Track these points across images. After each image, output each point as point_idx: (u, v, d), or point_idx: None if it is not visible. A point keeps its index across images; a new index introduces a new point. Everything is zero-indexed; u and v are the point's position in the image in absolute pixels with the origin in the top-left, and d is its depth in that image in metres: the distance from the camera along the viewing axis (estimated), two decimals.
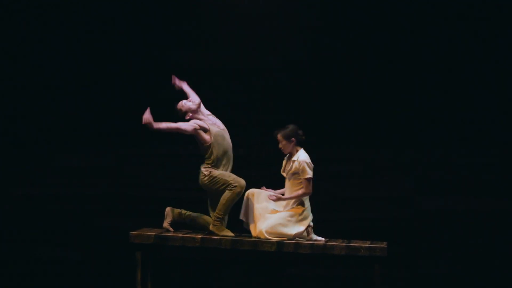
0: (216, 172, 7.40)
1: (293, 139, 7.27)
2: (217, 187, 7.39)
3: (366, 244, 7.17)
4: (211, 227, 7.38)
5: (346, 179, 8.99)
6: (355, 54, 8.98)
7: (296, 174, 7.25)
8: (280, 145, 7.31)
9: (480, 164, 8.86)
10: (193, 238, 7.25)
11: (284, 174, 7.37)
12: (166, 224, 7.54)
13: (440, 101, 8.92)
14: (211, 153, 7.42)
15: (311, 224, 7.27)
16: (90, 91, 9.19)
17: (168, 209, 7.57)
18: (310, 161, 7.27)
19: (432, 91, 8.92)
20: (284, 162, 7.39)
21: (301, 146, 7.35)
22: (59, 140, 9.20)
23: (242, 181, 7.34)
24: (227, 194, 7.32)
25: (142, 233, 7.36)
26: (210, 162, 7.44)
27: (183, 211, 7.56)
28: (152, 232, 7.38)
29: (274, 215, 7.25)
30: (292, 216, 7.22)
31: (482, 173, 8.85)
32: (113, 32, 9.17)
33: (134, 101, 9.04)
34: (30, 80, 9.22)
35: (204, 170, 7.45)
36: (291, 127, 7.30)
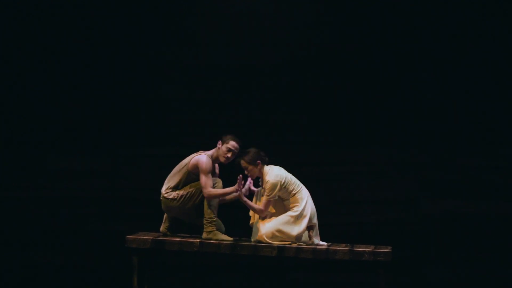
0: (183, 191, 7.29)
1: (258, 161, 7.22)
2: (192, 201, 7.26)
3: (370, 248, 7.10)
4: (204, 235, 7.24)
5: (349, 182, 8.94)
6: (358, 53, 8.95)
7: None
8: (246, 172, 7.27)
9: (487, 166, 8.83)
10: (191, 242, 7.16)
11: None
12: (163, 228, 7.43)
13: (445, 101, 8.89)
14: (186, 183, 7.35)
15: (314, 228, 7.12)
16: (84, 91, 9.15)
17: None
18: (280, 180, 7.16)
19: (437, 92, 8.89)
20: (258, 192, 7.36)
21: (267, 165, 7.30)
22: (53, 141, 9.15)
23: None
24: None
25: (139, 237, 7.28)
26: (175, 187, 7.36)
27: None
28: (149, 236, 7.30)
29: (273, 219, 7.19)
30: (289, 217, 7.15)
31: (489, 175, 8.82)
32: (108, 31, 9.14)
33: (130, 102, 9.06)
34: (23, 80, 9.19)
35: (169, 195, 7.29)
36: (252, 150, 7.25)
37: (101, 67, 9.11)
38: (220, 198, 7.25)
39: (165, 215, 7.44)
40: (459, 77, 8.85)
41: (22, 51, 9.16)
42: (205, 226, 7.22)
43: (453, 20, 8.83)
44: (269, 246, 7.04)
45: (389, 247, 7.15)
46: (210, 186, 7.14)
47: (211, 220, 7.20)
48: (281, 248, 7.03)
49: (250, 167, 7.22)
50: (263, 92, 9.02)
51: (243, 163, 7.23)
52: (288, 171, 7.30)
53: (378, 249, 7.07)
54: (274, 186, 7.11)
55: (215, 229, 7.21)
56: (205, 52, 9.07)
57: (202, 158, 7.23)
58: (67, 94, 9.14)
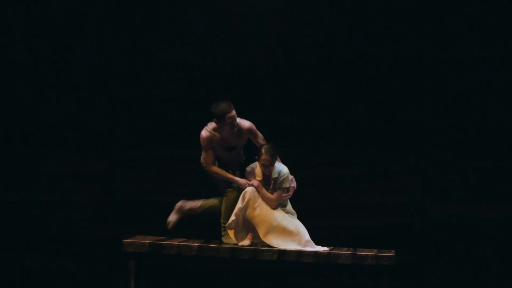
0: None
1: (277, 156, 7.18)
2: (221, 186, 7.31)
3: (373, 252, 7.06)
4: (223, 239, 7.27)
5: (352, 184, 8.89)
6: (362, 54, 8.91)
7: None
8: (267, 170, 7.09)
9: (493, 168, 8.78)
10: (190, 246, 7.13)
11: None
12: (173, 218, 7.32)
13: (451, 102, 8.85)
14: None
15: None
16: (81, 92, 9.13)
17: (179, 204, 7.36)
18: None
19: (443, 93, 8.85)
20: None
21: None
22: (48, 143, 9.13)
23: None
24: (224, 200, 7.26)
25: (136, 241, 7.25)
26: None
27: (194, 206, 7.36)
28: (146, 240, 7.27)
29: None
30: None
31: (495, 178, 8.77)
32: (105, 30, 9.11)
33: (127, 102, 9.05)
34: (17, 81, 9.16)
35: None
36: (271, 145, 7.11)
37: (98, 68, 9.07)
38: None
39: (176, 206, 7.32)
40: (468, 78, 8.81)
41: (17, 52, 9.13)
42: (222, 229, 7.29)
43: (455, 20, 8.80)
44: (269, 250, 6.98)
45: (393, 251, 7.11)
46: (210, 163, 7.11)
47: (223, 225, 7.26)
48: (281, 252, 6.98)
49: (273, 161, 7.05)
50: (264, 92, 9.00)
51: (269, 160, 7.01)
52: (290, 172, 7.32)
53: (381, 253, 7.03)
54: (288, 175, 7.10)
55: (227, 233, 7.24)
56: (205, 52, 9.03)
57: (201, 133, 7.23)
58: (63, 96, 9.11)
